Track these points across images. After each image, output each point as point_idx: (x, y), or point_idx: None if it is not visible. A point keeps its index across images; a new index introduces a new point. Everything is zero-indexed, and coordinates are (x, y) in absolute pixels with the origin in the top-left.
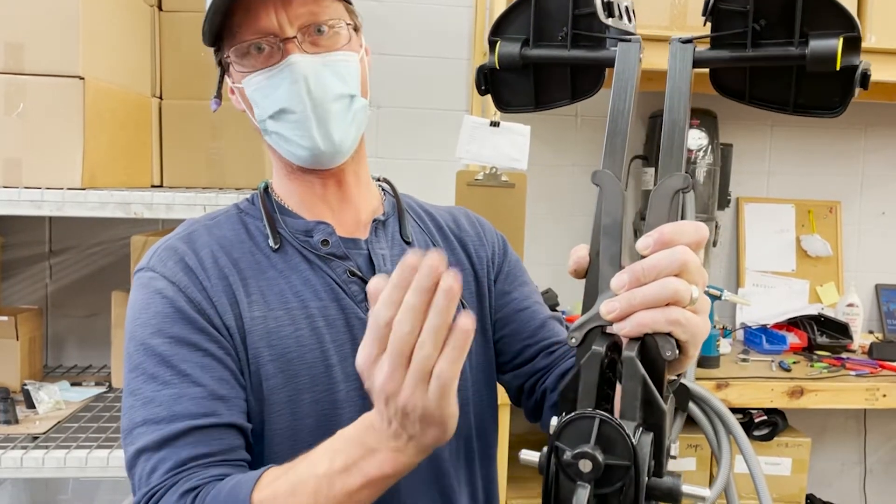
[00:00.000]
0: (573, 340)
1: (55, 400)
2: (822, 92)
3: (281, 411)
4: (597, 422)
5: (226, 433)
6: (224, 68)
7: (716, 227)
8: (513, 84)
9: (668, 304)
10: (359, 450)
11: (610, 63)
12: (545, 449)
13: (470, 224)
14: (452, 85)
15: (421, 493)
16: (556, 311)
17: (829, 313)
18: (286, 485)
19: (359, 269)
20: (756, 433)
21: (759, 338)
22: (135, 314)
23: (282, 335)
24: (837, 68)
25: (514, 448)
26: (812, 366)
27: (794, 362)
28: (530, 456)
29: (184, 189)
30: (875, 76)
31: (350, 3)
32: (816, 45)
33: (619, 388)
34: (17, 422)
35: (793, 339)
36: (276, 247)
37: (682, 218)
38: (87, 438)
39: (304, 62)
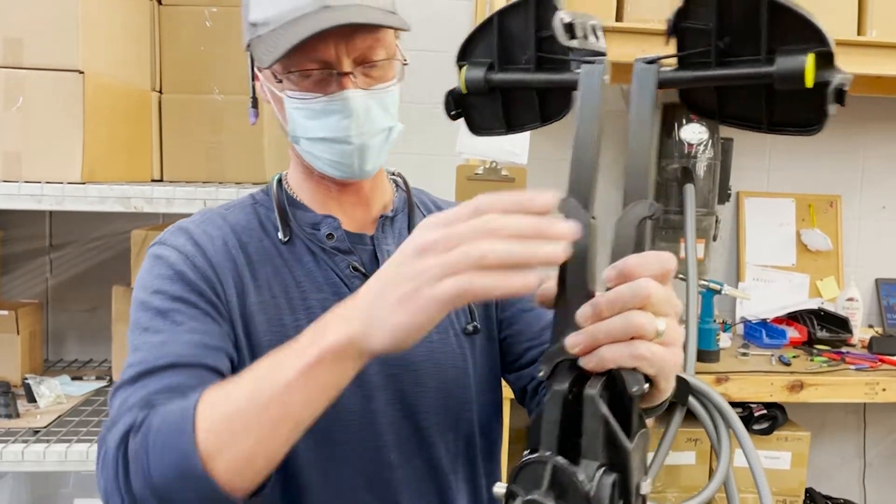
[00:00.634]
0: (541, 374)
1: (56, 394)
2: (797, 109)
3: None
4: (549, 467)
5: (206, 374)
6: (254, 62)
7: (716, 221)
8: (482, 108)
9: (632, 339)
10: (303, 337)
11: (575, 86)
12: (504, 490)
13: None
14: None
15: (415, 489)
16: None
17: (829, 307)
18: (230, 383)
19: (363, 264)
20: (756, 427)
21: (758, 332)
22: (140, 281)
23: (283, 323)
24: (809, 85)
25: (514, 443)
26: (812, 360)
27: (794, 356)
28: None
29: (184, 183)
30: (876, 71)
31: (405, 29)
32: (784, 61)
33: None
34: (18, 416)
35: (793, 333)
36: (286, 239)
37: (643, 248)
38: (88, 432)
39: (358, 98)
